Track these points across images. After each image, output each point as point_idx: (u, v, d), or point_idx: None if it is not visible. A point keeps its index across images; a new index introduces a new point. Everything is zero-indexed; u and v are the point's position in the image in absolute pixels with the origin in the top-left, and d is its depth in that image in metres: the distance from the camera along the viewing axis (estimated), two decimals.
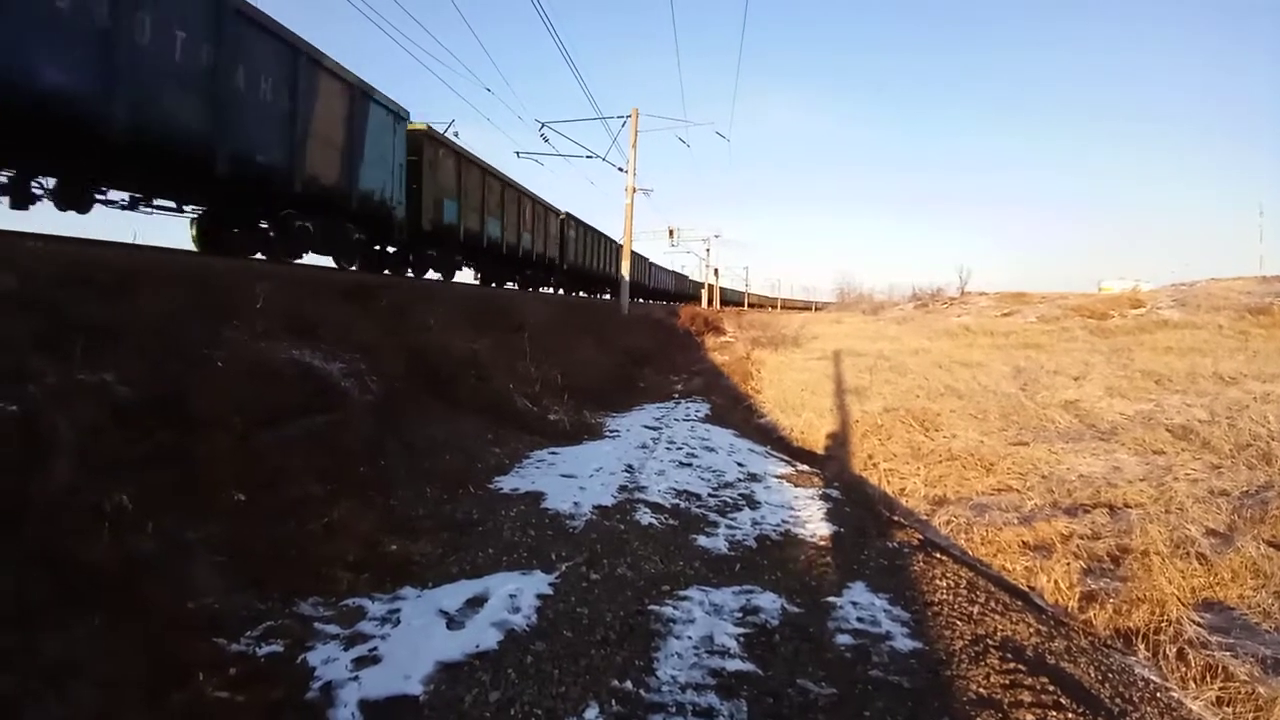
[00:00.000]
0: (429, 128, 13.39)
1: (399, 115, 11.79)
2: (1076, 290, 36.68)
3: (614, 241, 29.85)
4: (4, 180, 6.85)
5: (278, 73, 8.63)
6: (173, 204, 8.89)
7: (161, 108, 6.95)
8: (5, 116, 5.74)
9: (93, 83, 6.21)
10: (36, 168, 6.97)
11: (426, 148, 13.11)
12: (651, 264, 45.11)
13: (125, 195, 8.20)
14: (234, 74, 7.81)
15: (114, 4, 6.25)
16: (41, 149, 6.60)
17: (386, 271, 13.44)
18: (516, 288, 20.48)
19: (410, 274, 14.02)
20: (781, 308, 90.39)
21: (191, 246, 9.59)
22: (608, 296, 28.53)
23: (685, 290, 57.20)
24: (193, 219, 9.52)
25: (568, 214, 23.77)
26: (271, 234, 9.74)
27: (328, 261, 11.39)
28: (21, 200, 7.01)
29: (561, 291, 25.62)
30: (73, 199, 7.53)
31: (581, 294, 28.19)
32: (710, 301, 54.71)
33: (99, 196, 7.87)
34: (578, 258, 25.18)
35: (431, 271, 14.94)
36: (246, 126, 8.10)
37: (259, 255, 9.72)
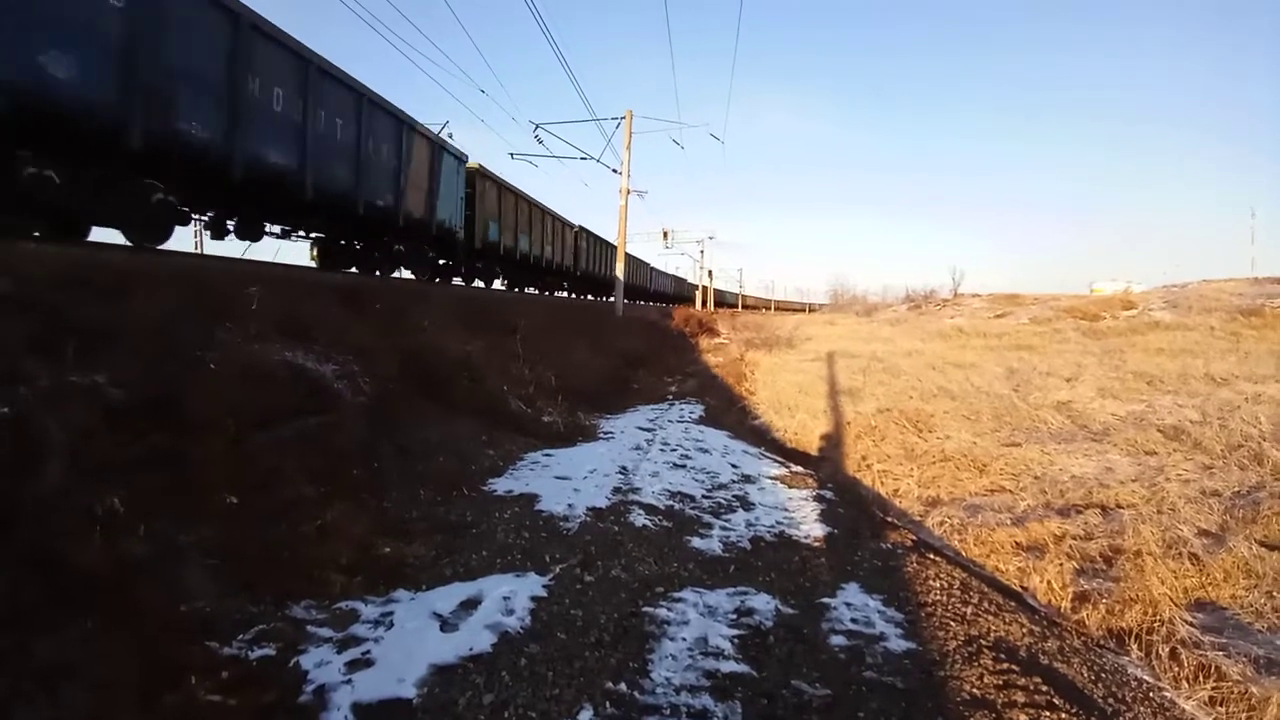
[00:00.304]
0: (480, 166, 16.37)
1: (460, 158, 15.06)
2: (1069, 292, 36.80)
3: (645, 264, 33.47)
4: (206, 219, 10.12)
5: (391, 139, 11.76)
6: (322, 235, 12.29)
7: (332, 174, 10.03)
8: (249, 183, 8.33)
9: (299, 159, 9.23)
10: (248, 214, 10.29)
11: (478, 182, 16.10)
12: (653, 269, 45.85)
13: (279, 228, 11.26)
14: (367, 144, 10.88)
15: (305, 105, 9.21)
16: (260, 204, 9.86)
17: (458, 280, 17.11)
18: (536, 292, 23.15)
19: (460, 281, 17.35)
20: (775, 309, 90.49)
21: (310, 263, 12.62)
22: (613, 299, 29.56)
23: (684, 293, 57.35)
24: (313, 240, 12.50)
25: (581, 227, 26.02)
26: (375, 254, 12.80)
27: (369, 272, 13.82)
28: (219, 234, 10.34)
29: (574, 295, 27.76)
30: (253, 233, 10.67)
31: (589, 296, 30.07)
32: (704, 303, 54.69)
33: (266, 230, 10.93)
34: (589, 265, 27.56)
35: (476, 280, 18.18)
36: (373, 181, 11.18)
37: (353, 269, 12.81)
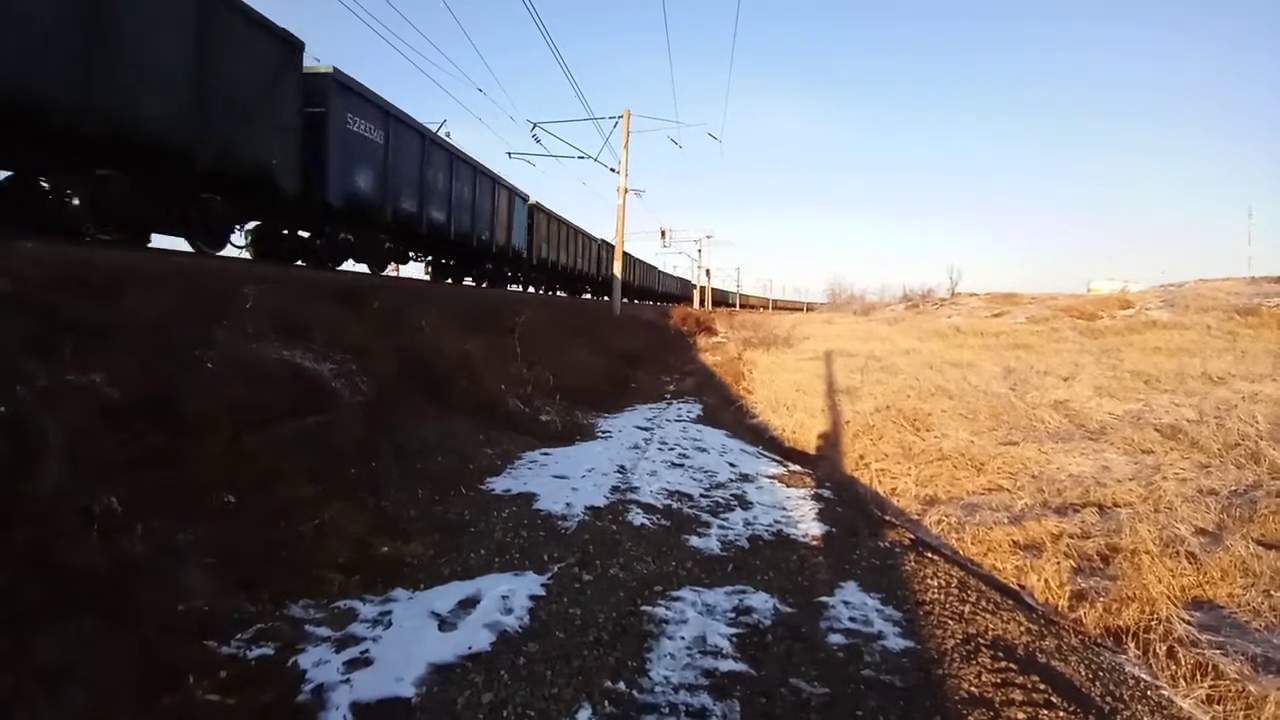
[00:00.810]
0: (537, 202, 21.57)
1: (524, 199, 20.19)
2: (1066, 291, 36.85)
3: (635, 259, 36.49)
4: (405, 254, 15.42)
5: (488, 193, 17.03)
6: (442, 258, 17.08)
7: (462, 220, 15.31)
8: (429, 234, 13.90)
9: (446, 215, 14.47)
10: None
11: (535, 215, 21.50)
12: (661, 272, 46.90)
13: (427, 255, 16.56)
14: (478, 198, 16.30)
15: (446, 177, 14.35)
16: (428, 244, 15.46)
17: (514, 287, 22.28)
18: (566, 295, 27.54)
19: (518, 288, 22.60)
20: (773, 308, 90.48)
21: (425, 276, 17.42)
22: (628, 300, 33.70)
23: (687, 293, 57.55)
24: (426, 262, 16.91)
25: (603, 240, 30.44)
26: (473, 269, 18.43)
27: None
28: (402, 260, 15.58)
29: (595, 296, 31.75)
30: (402, 260, 15.56)
31: (605, 297, 33.09)
32: (702, 302, 54.72)
33: (413, 256, 15.91)
34: (610, 272, 30.80)
35: (530, 287, 23.40)
36: (482, 221, 16.65)
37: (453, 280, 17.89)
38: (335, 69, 10.08)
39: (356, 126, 10.75)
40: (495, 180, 17.41)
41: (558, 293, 26.69)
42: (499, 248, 17.92)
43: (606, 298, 29.03)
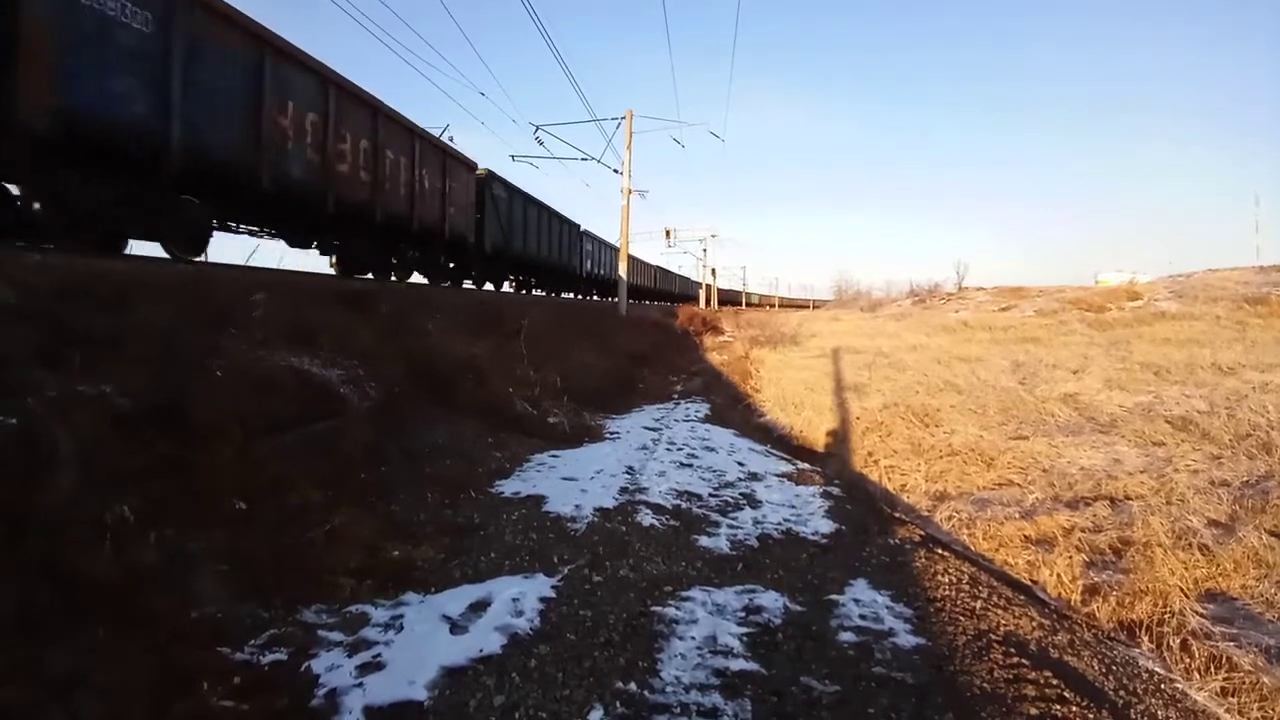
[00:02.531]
0: (584, 228, 25.25)
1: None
2: (1074, 283, 36.70)
3: (647, 264, 39.18)
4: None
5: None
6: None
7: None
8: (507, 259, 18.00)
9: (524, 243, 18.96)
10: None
11: (585, 238, 25.59)
12: (666, 272, 47.64)
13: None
14: (539, 221, 20.18)
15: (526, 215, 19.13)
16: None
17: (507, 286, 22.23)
18: (573, 296, 27.97)
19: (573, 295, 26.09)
20: (779, 306, 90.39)
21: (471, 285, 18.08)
22: (648, 303, 36.50)
23: (694, 293, 57.67)
24: (472, 274, 17.77)
25: (647, 261, 34.38)
26: (512, 279, 20.93)
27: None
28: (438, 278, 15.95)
29: (609, 299, 32.26)
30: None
31: (613, 298, 36.32)
32: (708, 301, 54.67)
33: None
34: (632, 278, 33.75)
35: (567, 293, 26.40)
36: (532, 239, 19.94)
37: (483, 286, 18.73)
38: None
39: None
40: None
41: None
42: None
43: (612, 299, 29.33)
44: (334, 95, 9.86)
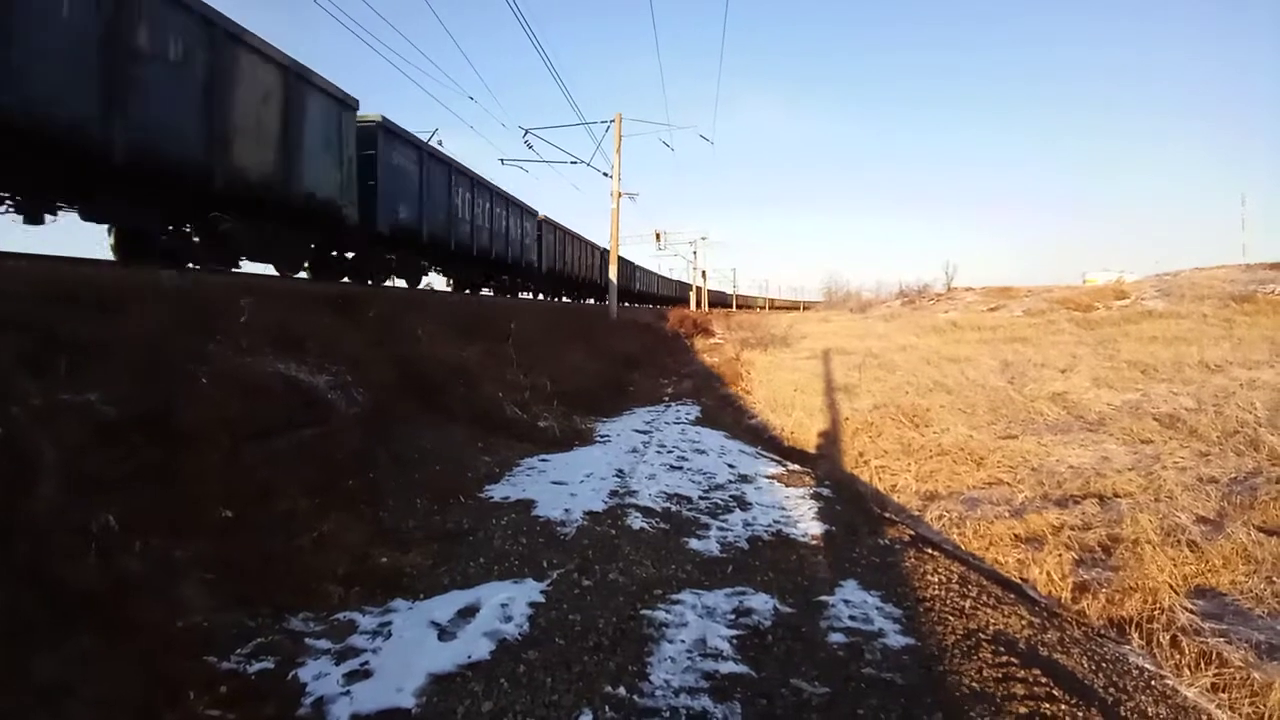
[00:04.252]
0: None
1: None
2: (1062, 283, 36.91)
3: (631, 263, 38.46)
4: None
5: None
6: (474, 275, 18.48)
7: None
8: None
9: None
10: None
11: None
12: (657, 275, 48.57)
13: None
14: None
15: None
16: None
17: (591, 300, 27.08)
18: (569, 300, 28.44)
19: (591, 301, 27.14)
20: (770, 308, 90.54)
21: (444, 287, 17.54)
22: (625, 303, 34.58)
23: (685, 296, 57.80)
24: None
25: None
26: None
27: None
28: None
29: (595, 301, 32.10)
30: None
31: (626, 303, 37.01)
32: (699, 304, 54.74)
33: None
34: (637, 284, 37.95)
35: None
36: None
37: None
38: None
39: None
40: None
41: (562, 298, 27.45)
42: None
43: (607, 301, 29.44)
44: (468, 182, 16.35)
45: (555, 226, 24.69)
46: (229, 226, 8.83)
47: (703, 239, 54.38)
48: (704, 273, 59.49)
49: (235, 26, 8.33)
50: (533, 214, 21.87)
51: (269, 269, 10.18)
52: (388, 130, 12.44)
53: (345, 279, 12.46)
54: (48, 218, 7.14)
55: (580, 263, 28.61)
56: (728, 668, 3.29)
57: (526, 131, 22.71)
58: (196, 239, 8.77)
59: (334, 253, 12.32)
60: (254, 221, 9.25)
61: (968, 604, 4.18)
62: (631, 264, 39.66)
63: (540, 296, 24.33)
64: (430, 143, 14.18)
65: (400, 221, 12.94)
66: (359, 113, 11.44)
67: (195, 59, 7.77)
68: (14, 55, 5.78)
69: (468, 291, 17.91)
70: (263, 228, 9.48)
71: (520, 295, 22.33)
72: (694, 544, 5.07)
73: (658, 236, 40.72)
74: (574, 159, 23.93)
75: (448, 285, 17.31)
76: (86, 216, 7.48)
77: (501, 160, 23.89)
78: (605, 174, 23.88)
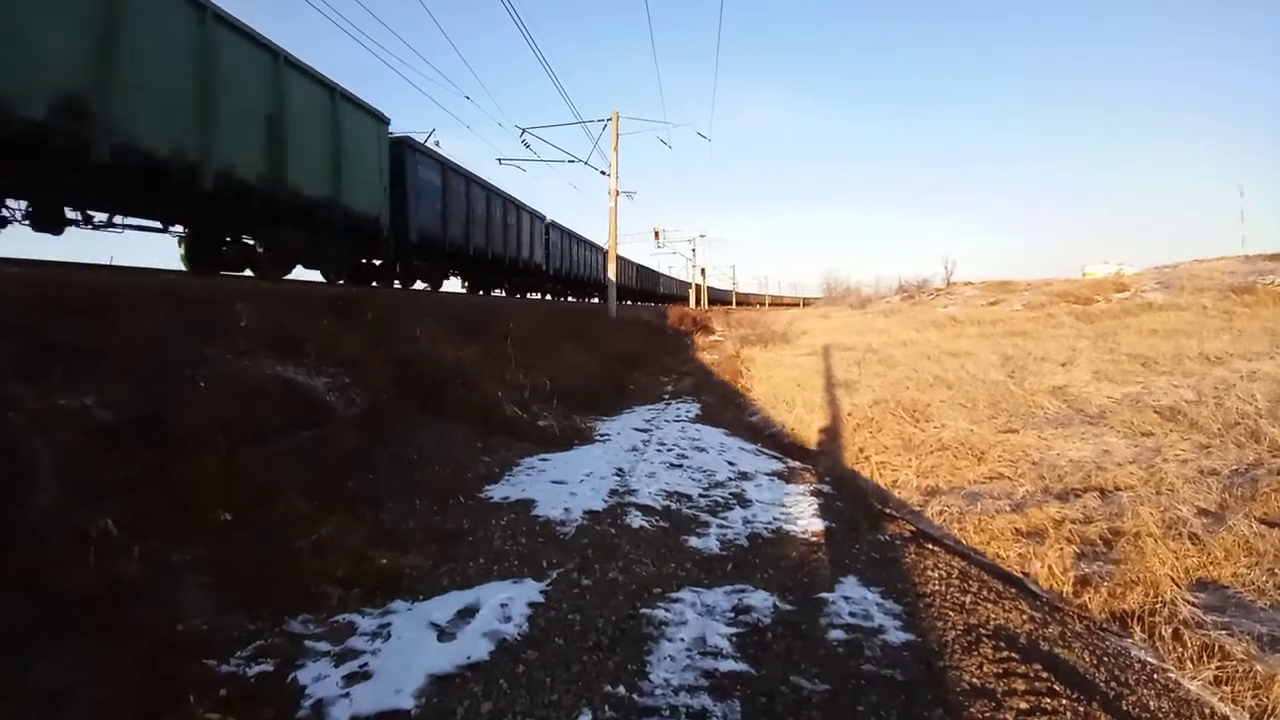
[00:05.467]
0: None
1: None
2: (1062, 276, 36.89)
3: (630, 261, 39.62)
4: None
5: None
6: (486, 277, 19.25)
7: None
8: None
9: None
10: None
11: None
12: (656, 273, 49.78)
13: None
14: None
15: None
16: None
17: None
18: (576, 299, 29.31)
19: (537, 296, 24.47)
20: (770, 305, 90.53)
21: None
22: (624, 301, 35.11)
23: (684, 293, 57.88)
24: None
25: (636, 262, 37.75)
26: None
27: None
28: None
29: (600, 300, 31.63)
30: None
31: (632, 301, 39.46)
32: (698, 301, 54.73)
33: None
34: (637, 283, 39.25)
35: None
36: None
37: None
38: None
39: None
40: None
41: (567, 298, 27.97)
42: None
43: (590, 299, 29.63)
44: (482, 191, 17.06)
45: (560, 229, 25.73)
46: (287, 237, 9.80)
47: (702, 236, 54.43)
48: (703, 270, 59.48)
49: (292, 56, 9.10)
50: (541, 218, 22.78)
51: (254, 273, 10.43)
52: (413, 145, 13.44)
53: (374, 283, 13.49)
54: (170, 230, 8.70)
55: (583, 263, 29.08)
56: (728, 666, 3.29)
57: (524, 131, 22.67)
58: (260, 249, 9.67)
59: (373, 260, 13.29)
60: (309, 233, 10.20)
61: (968, 599, 4.17)
62: (631, 262, 39.69)
63: (547, 297, 25.08)
64: (427, 144, 14.28)
65: (427, 230, 13.86)
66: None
67: (262, 89, 8.67)
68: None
69: (480, 293, 18.84)
70: (315, 238, 10.39)
71: (529, 296, 23.25)
72: (694, 542, 5.07)
73: (656, 234, 40.67)
74: (572, 158, 23.89)
75: (463, 287, 18.39)
76: (194, 233, 9.02)
77: (499, 160, 23.83)
78: (603, 172, 23.83)
